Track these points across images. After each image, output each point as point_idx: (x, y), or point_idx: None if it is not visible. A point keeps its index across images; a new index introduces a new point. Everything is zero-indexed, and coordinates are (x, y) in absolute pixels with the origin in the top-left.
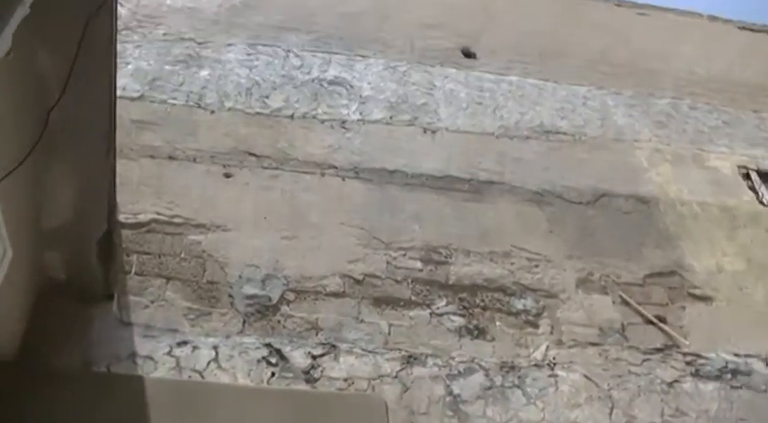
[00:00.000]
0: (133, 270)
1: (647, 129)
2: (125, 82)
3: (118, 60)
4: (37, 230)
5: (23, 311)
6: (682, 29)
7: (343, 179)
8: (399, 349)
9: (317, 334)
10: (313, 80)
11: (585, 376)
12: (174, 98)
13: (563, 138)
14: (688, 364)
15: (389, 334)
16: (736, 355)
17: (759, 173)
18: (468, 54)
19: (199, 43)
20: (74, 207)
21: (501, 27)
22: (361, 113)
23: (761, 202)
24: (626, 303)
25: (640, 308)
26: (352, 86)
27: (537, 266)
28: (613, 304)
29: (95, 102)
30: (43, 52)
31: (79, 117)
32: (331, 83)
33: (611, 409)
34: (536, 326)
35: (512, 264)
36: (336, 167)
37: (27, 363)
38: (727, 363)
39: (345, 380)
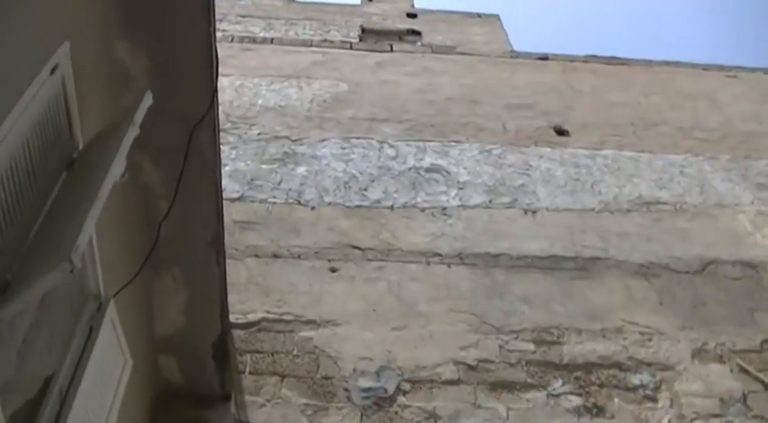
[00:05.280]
0: (247, 370)
1: (748, 192)
2: (224, 183)
3: None
4: (151, 337)
5: (143, 416)
6: None
7: (449, 266)
8: None
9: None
10: (410, 169)
11: None
12: (274, 197)
13: (664, 208)
14: None
15: (508, 418)
16: None
17: None
18: (560, 131)
19: (293, 140)
20: (186, 313)
21: (590, 102)
22: (460, 199)
23: None
24: (745, 371)
25: (760, 375)
26: (448, 173)
27: (650, 340)
28: (732, 373)
29: (203, 209)
30: (150, 166)
31: (187, 225)
32: (428, 170)
33: None
34: (655, 400)
35: (624, 339)
36: (441, 255)
37: None
38: None
39: None
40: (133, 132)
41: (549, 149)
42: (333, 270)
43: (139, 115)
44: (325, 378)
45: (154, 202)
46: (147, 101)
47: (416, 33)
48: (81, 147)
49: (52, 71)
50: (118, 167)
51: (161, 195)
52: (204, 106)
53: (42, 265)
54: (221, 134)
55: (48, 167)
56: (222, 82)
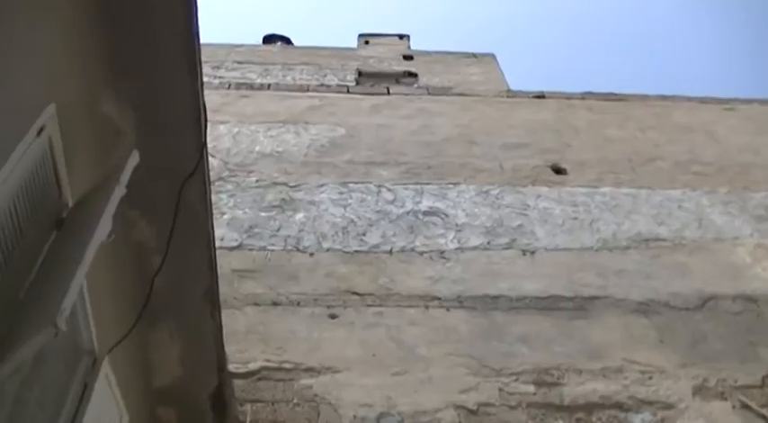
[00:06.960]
0: (248, 419)
1: (747, 224)
2: (222, 232)
3: (213, 211)
4: (149, 389)
5: None
6: None
7: (448, 309)
8: None
9: None
10: (408, 213)
11: None
12: (273, 244)
13: (662, 244)
14: None
15: None
16: None
17: None
18: (557, 170)
19: (291, 187)
20: (183, 364)
21: (587, 139)
22: (458, 242)
23: None
24: (747, 407)
25: (762, 410)
26: (446, 215)
27: (651, 378)
28: (734, 409)
29: (195, 263)
30: (141, 221)
31: (181, 279)
32: (426, 214)
33: None
34: None
35: (625, 378)
36: (439, 298)
37: None
38: None
39: None
40: (119, 192)
41: (546, 189)
42: (332, 316)
43: (126, 175)
44: None
45: (147, 256)
46: (134, 160)
47: (413, 75)
48: (70, 206)
49: (38, 133)
50: (104, 228)
51: (154, 250)
52: (193, 161)
53: (30, 327)
54: (219, 182)
55: (36, 228)
56: (219, 129)
